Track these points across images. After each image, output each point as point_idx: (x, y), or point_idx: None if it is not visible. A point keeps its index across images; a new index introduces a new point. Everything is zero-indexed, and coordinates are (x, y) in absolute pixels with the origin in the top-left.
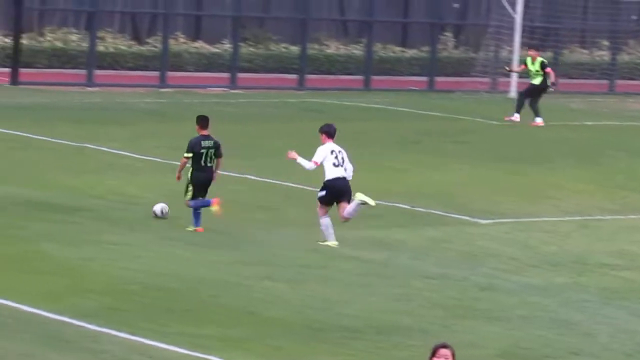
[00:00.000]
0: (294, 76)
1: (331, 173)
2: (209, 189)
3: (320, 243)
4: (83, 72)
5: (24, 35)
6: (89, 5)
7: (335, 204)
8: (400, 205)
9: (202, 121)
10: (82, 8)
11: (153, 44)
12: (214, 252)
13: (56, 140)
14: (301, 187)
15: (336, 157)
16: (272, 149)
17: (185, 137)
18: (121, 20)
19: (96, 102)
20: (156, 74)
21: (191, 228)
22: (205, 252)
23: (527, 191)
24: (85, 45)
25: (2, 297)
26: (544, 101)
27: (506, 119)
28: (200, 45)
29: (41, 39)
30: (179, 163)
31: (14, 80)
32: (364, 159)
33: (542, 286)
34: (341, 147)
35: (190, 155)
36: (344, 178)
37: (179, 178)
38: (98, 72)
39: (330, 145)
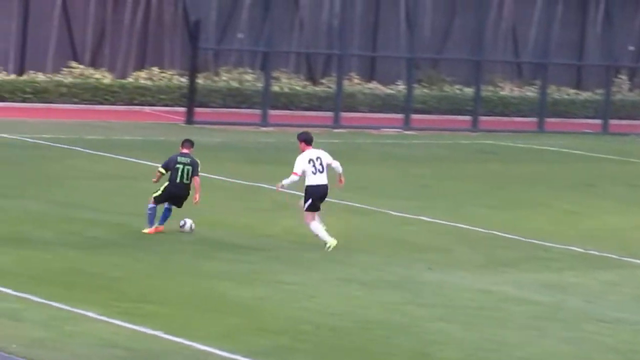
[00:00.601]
0: (467, 118)
1: (312, 180)
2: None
3: (326, 249)
4: (257, 111)
5: (199, 75)
6: (264, 45)
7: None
8: (573, 248)
9: (185, 142)
10: (257, 48)
11: (327, 85)
12: (387, 292)
13: (232, 180)
14: (475, 228)
15: (314, 165)
16: (446, 190)
17: (359, 178)
18: (296, 60)
19: (270, 142)
20: (330, 114)
21: (146, 230)
22: (378, 293)
23: None
24: (260, 85)
25: (177, 335)
26: None
27: None
28: (375, 86)
29: (216, 78)
30: (352, 203)
31: (189, 119)
32: (537, 200)
33: None
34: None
35: (164, 170)
36: (325, 185)
37: (155, 182)
38: (272, 112)
39: (308, 153)
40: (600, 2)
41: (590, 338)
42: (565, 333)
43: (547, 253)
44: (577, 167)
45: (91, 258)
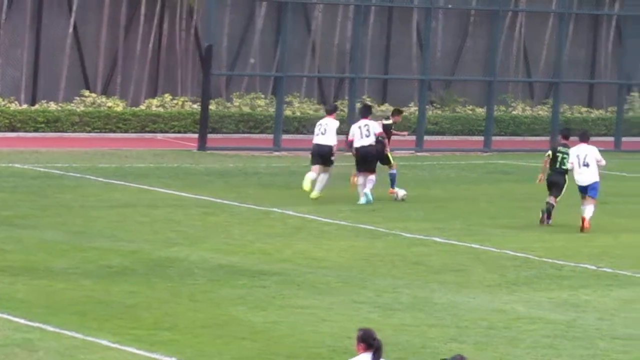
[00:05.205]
0: (479, 138)
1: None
2: None
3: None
4: (270, 136)
5: (211, 101)
6: (276, 70)
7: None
8: (587, 266)
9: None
10: (269, 73)
11: (340, 108)
12: (400, 314)
13: (245, 205)
14: (488, 249)
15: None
16: (459, 211)
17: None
18: (308, 84)
19: (283, 166)
20: (342, 137)
21: None
22: (391, 314)
23: None
24: (272, 109)
25: None
26: None
27: None
28: (387, 108)
29: (228, 104)
30: (365, 226)
31: (202, 145)
32: (552, 220)
33: None
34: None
35: None
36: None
37: None
38: (285, 136)
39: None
40: (612, 20)
41: (604, 355)
42: (579, 351)
43: (560, 271)
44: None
45: (105, 286)
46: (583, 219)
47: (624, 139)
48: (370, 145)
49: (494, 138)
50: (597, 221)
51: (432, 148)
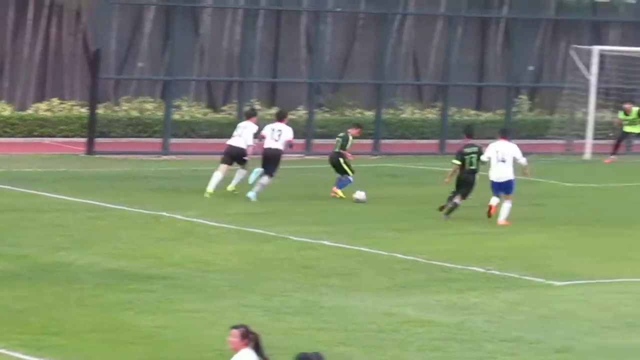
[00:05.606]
0: (369, 141)
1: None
2: None
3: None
4: (158, 140)
5: (99, 105)
6: (165, 74)
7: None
8: (475, 269)
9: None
10: (158, 77)
11: (228, 112)
12: (289, 317)
13: (133, 209)
14: (378, 252)
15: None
16: (349, 214)
17: (259, 203)
18: (196, 88)
19: (171, 170)
20: None
21: None
22: (280, 318)
23: (603, 253)
24: (160, 113)
25: None
26: (622, 161)
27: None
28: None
29: (117, 108)
30: (253, 229)
31: (90, 149)
32: (440, 222)
33: (618, 347)
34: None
35: None
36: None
37: None
38: (173, 140)
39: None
40: (500, 23)
41: (492, 358)
42: (467, 353)
43: (449, 274)
44: (480, 187)
45: None
46: (490, 207)
47: (513, 141)
48: (276, 149)
49: (383, 141)
50: (485, 224)
51: (321, 151)
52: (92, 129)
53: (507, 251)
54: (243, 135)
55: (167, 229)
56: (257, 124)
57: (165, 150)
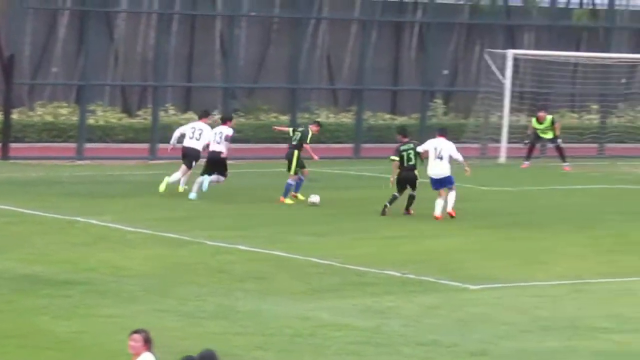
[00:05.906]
0: (284, 146)
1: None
2: None
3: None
4: (73, 145)
5: (14, 110)
6: (79, 78)
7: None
8: (391, 273)
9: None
10: (72, 82)
11: (143, 117)
12: (204, 322)
13: (48, 214)
14: (293, 256)
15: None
16: (263, 219)
17: (174, 208)
18: (111, 93)
19: (86, 175)
20: (146, 146)
21: None
22: (196, 323)
23: (519, 256)
24: (75, 118)
25: None
26: (536, 165)
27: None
28: (191, 117)
29: (31, 113)
30: (166, 234)
31: (5, 155)
32: (356, 227)
33: (534, 351)
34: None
35: None
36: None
37: None
38: (88, 145)
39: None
40: (414, 28)
41: None
42: (384, 357)
43: (365, 278)
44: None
45: None
46: (436, 217)
47: None
48: (220, 152)
49: None
50: (405, 228)
51: (237, 156)
52: (6, 134)
53: (423, 255)
54: (201, 138)
55: (82, 234)
56: (232, 127)
57: (80, 155)
